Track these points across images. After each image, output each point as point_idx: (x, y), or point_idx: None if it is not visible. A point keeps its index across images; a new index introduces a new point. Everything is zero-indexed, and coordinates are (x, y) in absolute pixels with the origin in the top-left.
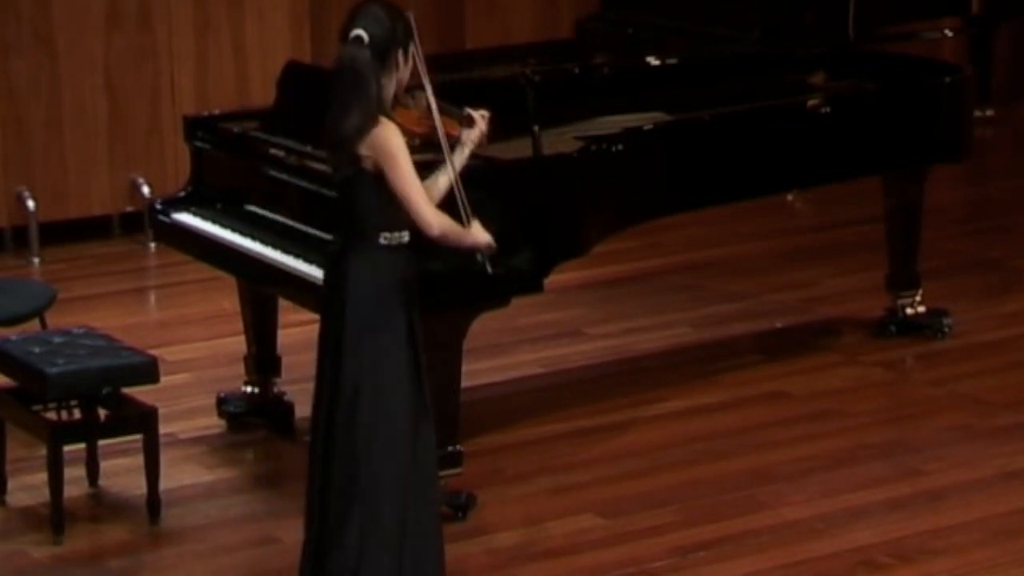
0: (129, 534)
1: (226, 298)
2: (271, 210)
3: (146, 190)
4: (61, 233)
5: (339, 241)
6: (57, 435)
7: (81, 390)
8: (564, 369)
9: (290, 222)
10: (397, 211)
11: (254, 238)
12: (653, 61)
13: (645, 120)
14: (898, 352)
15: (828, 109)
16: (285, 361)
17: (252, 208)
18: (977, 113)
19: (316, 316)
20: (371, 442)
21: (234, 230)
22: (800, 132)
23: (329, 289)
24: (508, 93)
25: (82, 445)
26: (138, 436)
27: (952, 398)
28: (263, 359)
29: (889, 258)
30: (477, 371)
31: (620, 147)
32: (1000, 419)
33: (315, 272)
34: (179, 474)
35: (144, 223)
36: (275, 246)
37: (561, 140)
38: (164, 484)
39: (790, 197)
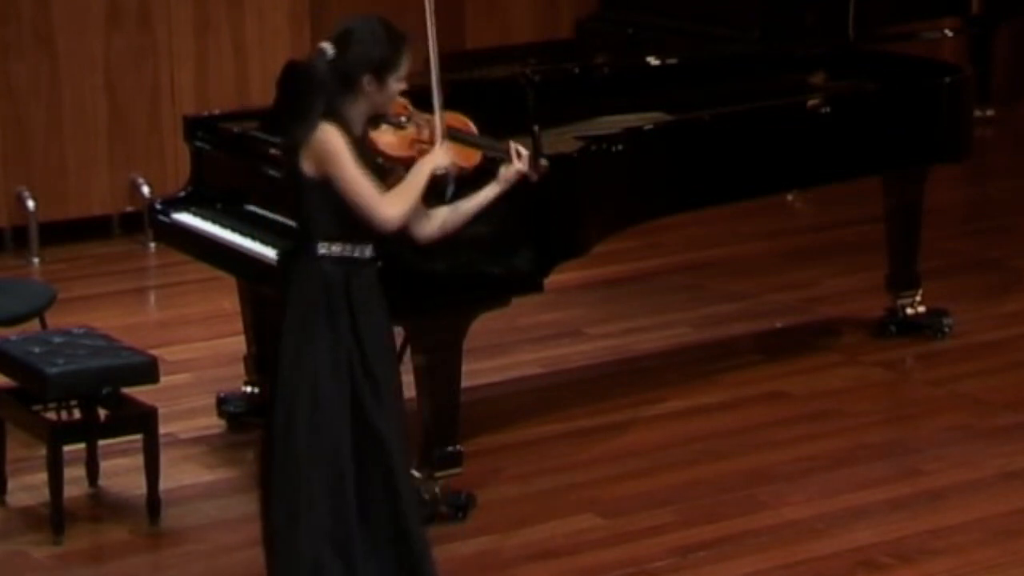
0: (129, 534)
1: (226, 298)
2: (271, 210)
3: (146, 190)
4: (61, 233)
5: (292, 244)
6: (57, 435)
7: (81, 390)
8: (564, 369)
9: (290, 222)
10: (342, 222)
11: (254, 238)
12: (653, 61)
13: (645, 120)
14: (898, 352)
15: (828, 109)
16: None
17: (252, 208)
18: (977, 113)
19: None
20: (299, 466)
21: (234, 230)
22: (800, 132)
23: (279, 292)
24: (508, 93)
25: (82, 445)
26: (138, 436)
27: (952, 398)
28: (263, 359)
29: (889, 258)
30: (477, 371)
31: (620, 147)
32: (1000, 419)
33: None
34: (179, 474)
35: (144, 223)
36: (275, 246)
37: (561, 140)
38: (164, 484)
39: (790, 197)
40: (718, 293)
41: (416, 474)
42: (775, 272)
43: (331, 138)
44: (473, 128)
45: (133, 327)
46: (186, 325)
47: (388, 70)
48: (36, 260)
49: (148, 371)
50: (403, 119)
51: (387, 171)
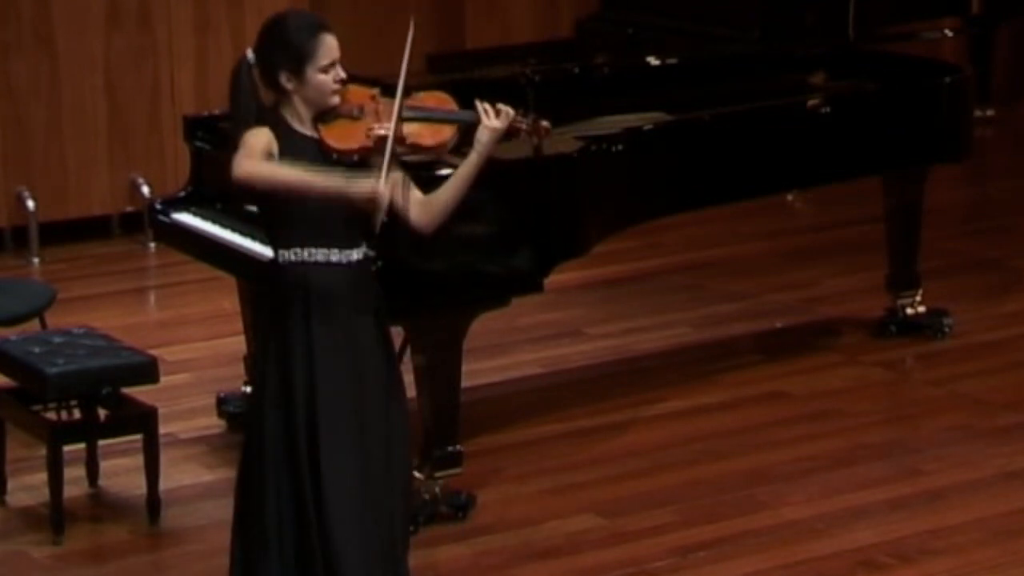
0: (129, 534)
1: (226, 298)
2: None
3: (146, 190)
4: (61, 233)
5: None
6: (57, 435)
7: (81, 390)
8: (564, 369)
9: None
10: (293, 227)
11: (254, 238)
12: (653, 61)
13: (645, 120)
14: (898, 352)
15: (828, 109)
16: None
17: (252, 208)
18: (977, 113)
19: None
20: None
21: (234, 230)
22: (800, 132)
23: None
24: (508, 93)
25: (82, 445)
26: (138, 436)
27: (952, 398)
28: None
29: (889, 258)
30: (477, 371)
31: (620, 147)
32: (1000, 419)
33: None
34: (179, 474)
35: (144, 223)
36: None
37: (561, 140)
38: (164, 484)
39: (790, 197)
40: (718, 293)
41: (418, 475)
42: (775, 272)
43: (245, 139)
44: (453, 106)
45: (133, 327)
46: (186, 325)
47: (303, 63)
48: (36, 260)
49: (148, 371)
50: (356, 110)
51: (355, 166)
